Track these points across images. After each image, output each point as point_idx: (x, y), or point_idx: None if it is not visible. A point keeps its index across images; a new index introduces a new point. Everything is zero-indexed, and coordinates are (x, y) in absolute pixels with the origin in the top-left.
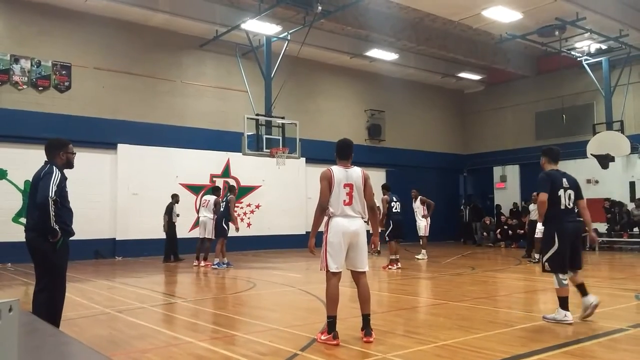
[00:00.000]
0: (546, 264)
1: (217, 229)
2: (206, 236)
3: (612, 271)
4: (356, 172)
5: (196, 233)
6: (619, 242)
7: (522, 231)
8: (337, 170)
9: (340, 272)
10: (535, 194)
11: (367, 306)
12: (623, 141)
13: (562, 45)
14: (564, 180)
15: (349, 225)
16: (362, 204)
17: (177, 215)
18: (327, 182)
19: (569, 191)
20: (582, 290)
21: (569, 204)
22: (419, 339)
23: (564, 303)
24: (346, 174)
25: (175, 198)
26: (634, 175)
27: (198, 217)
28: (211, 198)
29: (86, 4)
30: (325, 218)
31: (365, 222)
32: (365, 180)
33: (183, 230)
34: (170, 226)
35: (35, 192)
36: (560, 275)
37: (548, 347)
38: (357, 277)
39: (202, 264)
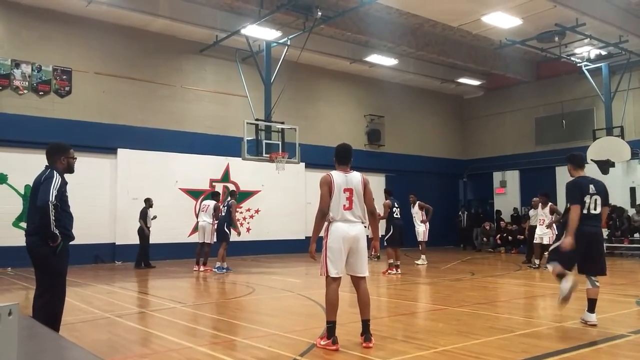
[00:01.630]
0: (549, 253)
1: (219, 233)
2: (205, 241)
3: (613, 277)
4: (356, 177)
5: (195, 238)
6: (620, 248)
7: (522, 237)
8: (336, 175)
9: (340, 277)
10: (535, 199)
11: (367, 311)
12: (623, 147)
13: (561, 50)
14: (591, 186)
15: (349, 230)
16: (362, 208)
17: (154, 218)
18: (327, 187)
19: (595, 197)
20: (591, 306)
21: (593, 209)
22: (419, 344)
23: (592, 305)
24: (346, 179)
25: (148, 202)
26: (634, 180)
27: (197, 222)
28: (211, 203)
29: (87, 9)
30: (325, 223)
31: (365, 227)
32: (365, 185)
33: (182, 235)
34: (142, 231)
35: (36, 197)
36: (560, 272)
37: (548, 353)
38: (357, 282)
39: (202, 268)
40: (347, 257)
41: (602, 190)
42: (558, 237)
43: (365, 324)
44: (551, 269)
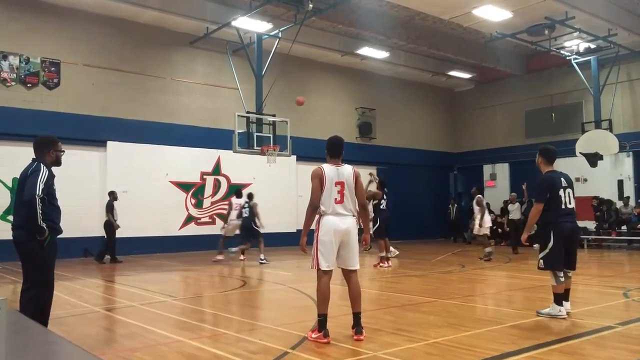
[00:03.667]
0: (541, 261)
1: (251, 231)
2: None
3: (601, 269)
4: (347, 170)
5: (187, 231)
6: (607, 240)
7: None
8: (328, 169)
9: (331, 270)
10: (512, 194)
11: (358, 304)
12: (611, 140)
13: (551, 44)
14: (562, 179)
15: (341, 224)
16: (353, 202)
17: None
18: (318, 181)
19: (568, 190)
20: (565, 295)
21: (569, 204)
22: (409, 336)
23: (558, 299)
24: (337, 172)
25: (113, 195)
26: (622, 173)
27: (230, 221)
28: (240, 201)
29: (75, 0)
30: (317, 216)
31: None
32: (356, 178)
33: (172, 229)
34: (110, 224)
35: (22, 190)
36: (557, 273)
37: (538, 344)
38: (348, 275)
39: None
40: (338, 250)
41: (570, 183)
42: (543, 241)
43: (357, 316)
44: (552, 284)
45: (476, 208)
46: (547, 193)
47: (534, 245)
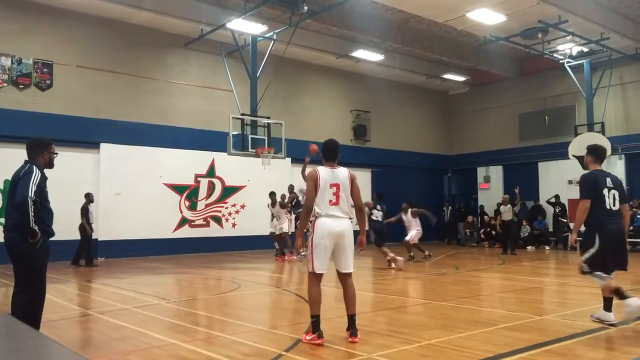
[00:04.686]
0: (585, 265)
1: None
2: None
3: None
4: (342, 172)
5: (181, 233)
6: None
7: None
8: (323, 171)
9: (323, 273)
10: (505, 195)
11: (353, 307)
12: (604, 143)
13: (544, 47)
14: (608, 179)
15: (335, 226)
16: (349, 204)
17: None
18: (312, 183)
19: (613, 191)
20: (620, 294)
21: (613, 205)
22: (404, 338)
23: (608, 304)
24: (332, 174)
25: (89, 197)
26: None
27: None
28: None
29: (68, 0)
30: (312, 218)
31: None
32: (352, 181)
33: (166, 231)
34: (85, 228)
35: (14, 192)
36: (601, 274)
37: (531, 345)
38: (343, 278)
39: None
40: (333, 252)
41: (618, 185)
42: (586, 243)
43: (351, 319)
44: (602, 285)
45: (412, 219)
46: (593, 191)
47: (528, 248)
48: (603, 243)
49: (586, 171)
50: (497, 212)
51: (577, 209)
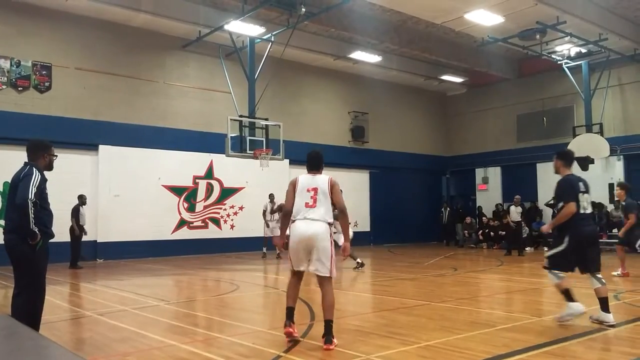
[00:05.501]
0: (547, 260)
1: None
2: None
3: None
4: (322, 178)
5: (179, 235)
6: (599, 243)
7: (504, 232)
8: (303, 177)
9: (302, 271)
10: (517, 196)
11: (329, 312)
12: (602, 143)
13: (542, 48)
14: (581, 184)
15: (306, 229)
16: (326, 208)
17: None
18: (291, 187)
19: (586, 195)
20: (605, 304)
21: (587, 208)
22: (402, 339)
23: (605, 306)
24: (312, 179)
25: (81, 199)
26: (613, 177)
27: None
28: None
29: (67, 3)
30: (291, 222)
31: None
32: (333, 186)
33: (165, 233)
34: (74, 231)
35: (14, 194)
36: (558, 272)
37: (529, 347)
38: (320, 281)
39: None
40: (308, 255)
41: (588, 189)
42: (555, 243)
43: (328, 324)
44: (554, 283)
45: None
46: (573, 194)
47: (527, 249)
48: (571, 245)
49: (559, 175)
50: (505, 213)
51: (562, 211)
